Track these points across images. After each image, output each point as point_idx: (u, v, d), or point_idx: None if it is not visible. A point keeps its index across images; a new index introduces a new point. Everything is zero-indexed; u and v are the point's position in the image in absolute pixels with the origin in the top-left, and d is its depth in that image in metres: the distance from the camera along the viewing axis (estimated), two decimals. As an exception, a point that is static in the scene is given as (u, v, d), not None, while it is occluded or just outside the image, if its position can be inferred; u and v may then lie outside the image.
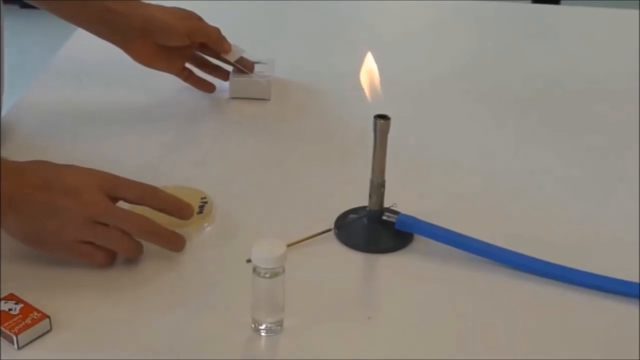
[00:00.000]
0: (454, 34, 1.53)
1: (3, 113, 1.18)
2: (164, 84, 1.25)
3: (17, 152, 1.12)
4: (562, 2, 2.45)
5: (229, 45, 1.23)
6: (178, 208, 0.96)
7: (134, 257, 0.94)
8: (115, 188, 0.93)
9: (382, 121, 0.95)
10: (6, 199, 0.90)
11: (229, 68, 1.27)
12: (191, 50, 1.24)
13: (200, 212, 1.01)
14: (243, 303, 0.88)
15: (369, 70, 1.00)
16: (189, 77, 1.25)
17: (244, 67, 1.26)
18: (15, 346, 0.84)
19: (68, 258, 0.92)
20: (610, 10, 1.57)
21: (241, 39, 1.26)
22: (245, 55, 1.26)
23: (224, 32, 1.22)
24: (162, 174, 1.09)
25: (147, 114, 1.24)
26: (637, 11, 1.52)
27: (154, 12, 1.19)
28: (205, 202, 1.02)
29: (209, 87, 1.27)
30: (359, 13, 1.60)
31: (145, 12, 1.19)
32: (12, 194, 0.90)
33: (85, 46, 1.33)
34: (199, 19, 1.23)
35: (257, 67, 1.28)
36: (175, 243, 0.95)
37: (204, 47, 1.24)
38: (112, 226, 0.92)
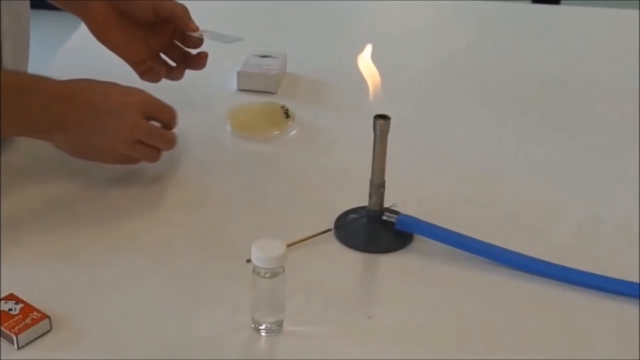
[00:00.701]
0: (454, 33, 1.53)
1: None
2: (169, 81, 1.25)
3: (22, 147, 1.13)
4: (562, 2, 2.45)
5: (196, 26, 1.15)
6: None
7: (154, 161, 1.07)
8: (153, 110, 1.05)
9: (382, 121, 0.95)
10: (56, 120, 0.99)
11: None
12: (156, 42, 1.15)
13: (287, 116, 1.20)
14: (242, 303, 0.88)
15: (370, 67, 1.00)
16: (145, 72, 1.16)
17: (197, 59, 1.17)
18: (15, 346, 0.84)
19: (112, 164, 1.06)
20: (610, 10, 1.57)
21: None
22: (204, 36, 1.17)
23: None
24: (163, 163, 1.10)
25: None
26: (637, 11, 1.52)
27: None
28: (287, 109, 1.21)
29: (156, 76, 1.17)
30: (364, 12, 1.60)
31: None
32: (61, 115, 0.99)
33: (89, 43, 1.33)
34: None
35: (266, 61, 1.30)
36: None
37: (171, 43, 1.17)
38: (147, 144, 1.04)
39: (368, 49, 1.01)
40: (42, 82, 1.00)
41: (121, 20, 1.13)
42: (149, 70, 1.15)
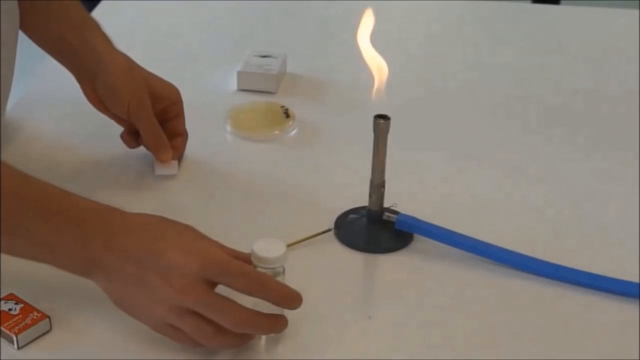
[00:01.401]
0: (453, 33, 1.53)
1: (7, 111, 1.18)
2: (167, 77, 1.25)
3: (21, 149, 1.13)
4: (562, 2, 2.45)
5: (168, 156, 1.07)
6: (288, 298, 0.85)
7: (232, 347, 0.85)
8: (218, 275, 0.82)
9: (382, 121, 0.95)
10: (94, 261, 0.83)
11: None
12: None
13: (287, 116, 1.19)
14: (242, 303, 0.88)
15: (376, 60, 1.00)
16: (124, 139, 1.09)
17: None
18: (15, 346, 0.84)
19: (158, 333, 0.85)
20: (610, 10, 1.57)
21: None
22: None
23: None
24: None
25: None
26: (637, 11, 1.52)
27: (107, 59, 1.06)
28: (287, 109, 1.20)
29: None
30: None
31: (96, 51, 1.07)
32: (100, 259, 0.83)
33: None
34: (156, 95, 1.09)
35: (266, 61, 1.30)
36: (277, 325, 0.86)
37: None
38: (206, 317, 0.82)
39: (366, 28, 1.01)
40: (85, 211, 0.84)
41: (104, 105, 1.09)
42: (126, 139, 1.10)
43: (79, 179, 1.08)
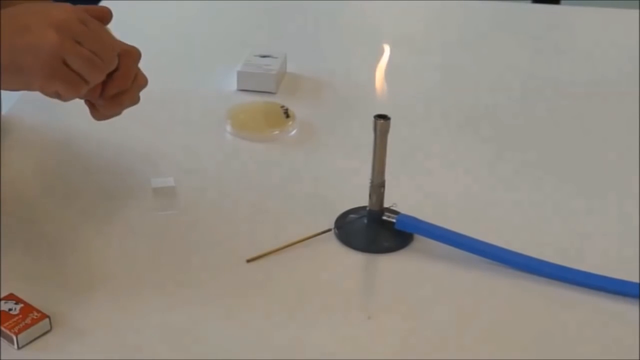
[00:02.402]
0: (452, 33, 1.53)
1: (4, 110, 1.18)
2: (167, 77, 1.25)
3: (22, 146, 1.13)
4: (562, 2, 2.45)
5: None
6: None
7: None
8: (90, 21, 0.87)
9: (382, 121, 0.95)
10: None
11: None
12: None
13: (287, 116, 1.20)
14: (241, 303, 0.88)
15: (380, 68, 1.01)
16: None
17: None
18: (15, 346, 0.84)
19: (44, 83, 0.86)
20: (610, 10, 1.57)
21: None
22: None
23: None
24: (162, 162, 1.10)
25: (150, 106, 1.23)
26: (637, 11, 1.52)
27: None
28: (287, 109, 1.21)
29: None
30: (364, 12, 1.60)
31: None
32: None
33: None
34: None
35: (266, 61, 1.30)
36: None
37: None
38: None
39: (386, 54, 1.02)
40: None
41: None
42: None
43: (78, 181, 1.08)
